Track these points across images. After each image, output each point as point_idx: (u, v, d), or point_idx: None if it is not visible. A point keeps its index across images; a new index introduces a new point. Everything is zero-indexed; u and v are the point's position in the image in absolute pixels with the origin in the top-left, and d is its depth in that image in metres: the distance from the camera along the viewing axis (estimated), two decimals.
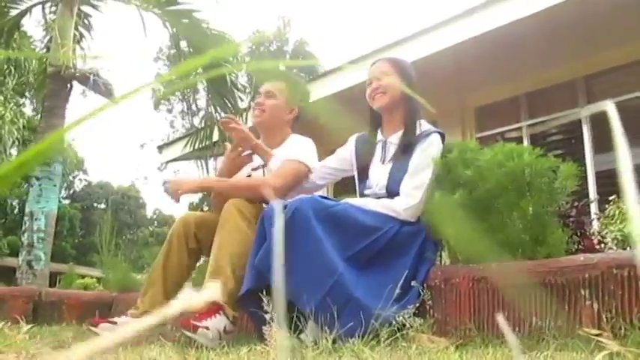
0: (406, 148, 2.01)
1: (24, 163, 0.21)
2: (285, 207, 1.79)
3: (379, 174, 2.06)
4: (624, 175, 0.23)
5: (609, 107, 0.24)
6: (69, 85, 4.91)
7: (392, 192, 1.99)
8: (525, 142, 4.90)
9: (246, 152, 2.25)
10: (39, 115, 5.21)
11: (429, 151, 1.98)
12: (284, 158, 2.18)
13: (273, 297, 1.54)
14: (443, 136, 2.04)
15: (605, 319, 1.44)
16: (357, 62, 5.29)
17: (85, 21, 5.52)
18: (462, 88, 5.31)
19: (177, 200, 2.10)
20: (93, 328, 1.99)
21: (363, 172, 2.13)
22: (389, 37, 5.16)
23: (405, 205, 1.93)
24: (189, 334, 1.67)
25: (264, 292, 1.54)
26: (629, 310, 1.46)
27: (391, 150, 2.07)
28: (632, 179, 0.23)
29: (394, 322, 1.59)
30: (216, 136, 5.23)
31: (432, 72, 4.84)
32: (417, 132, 2.03)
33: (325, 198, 1.94)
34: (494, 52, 4.62)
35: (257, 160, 2.37)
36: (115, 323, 2.05)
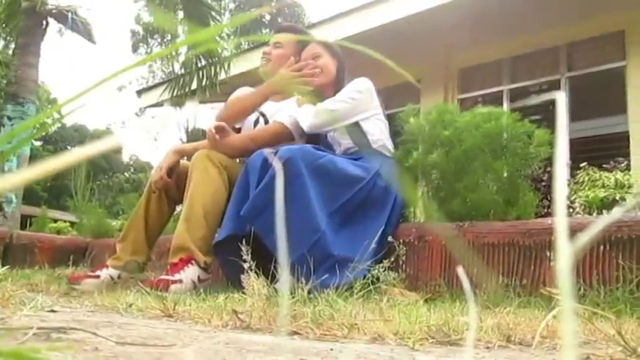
0: None
1: None
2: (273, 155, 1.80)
3: (339, 138, 2.18)
4: (559, 127, 0.23)
5: (559, 97, 0.26)
6: (45, 22, 4.71)
7: (357, 142, 2.10)
8: (505, 106, 4.94)
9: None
10: (11, 52, 4.99)
11: (350, 86, 2.14)
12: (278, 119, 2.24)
13: (252, 245, 1.57)
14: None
15: None
16: (349, 14, 5.19)
17: None
18: (449, 48, 5.28)
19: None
20: (76, 286, 1.88)
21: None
22: None
23: (310, 113, 2.07)
24: (163, 293, 1.65)
25: (244, 241, 1.57)
26: (590, 273, 1.54)
27: None
28: (565, 133, 0.23)
29: (368, 276, 1.65)
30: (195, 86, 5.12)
31: (418, 31, 4.79)
32: None
33: (315, 148, 1.96)
34: (482, 14, 4.57)
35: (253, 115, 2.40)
36: (98, 277, 2.01)
